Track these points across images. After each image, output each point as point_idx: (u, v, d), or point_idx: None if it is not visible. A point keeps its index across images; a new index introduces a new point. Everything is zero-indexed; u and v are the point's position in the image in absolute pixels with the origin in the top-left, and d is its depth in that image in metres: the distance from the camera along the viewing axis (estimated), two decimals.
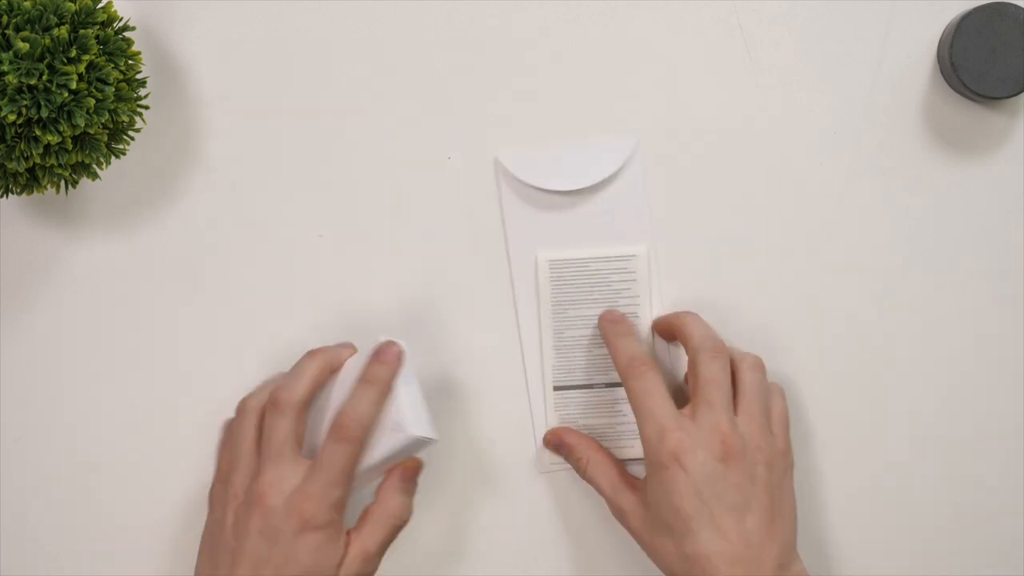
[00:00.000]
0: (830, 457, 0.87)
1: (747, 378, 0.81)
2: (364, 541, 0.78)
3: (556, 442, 0.85)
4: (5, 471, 0.88)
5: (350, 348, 0.83)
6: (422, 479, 0.82)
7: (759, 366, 0.82)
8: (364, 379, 0.78)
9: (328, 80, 0.87)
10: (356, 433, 0.77)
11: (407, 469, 0.80)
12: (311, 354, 0.81)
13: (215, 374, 0.87)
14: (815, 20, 0.86)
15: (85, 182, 0.86)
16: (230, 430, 0.81)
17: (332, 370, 0.81)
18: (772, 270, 0.86)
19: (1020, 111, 0.86)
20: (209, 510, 0.81)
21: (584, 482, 0.84)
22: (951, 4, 0.85)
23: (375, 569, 0.79)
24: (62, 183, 0.81)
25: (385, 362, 0.79)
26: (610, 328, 0.84)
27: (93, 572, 0.88)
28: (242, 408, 0.81)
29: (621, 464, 0.83)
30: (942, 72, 0.85)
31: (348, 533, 0.78)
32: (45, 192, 0.82)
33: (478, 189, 0.87)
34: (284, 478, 0.76)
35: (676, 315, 0.84)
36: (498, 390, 0.87)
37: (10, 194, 0.81)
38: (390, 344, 0.79)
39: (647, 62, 0.86)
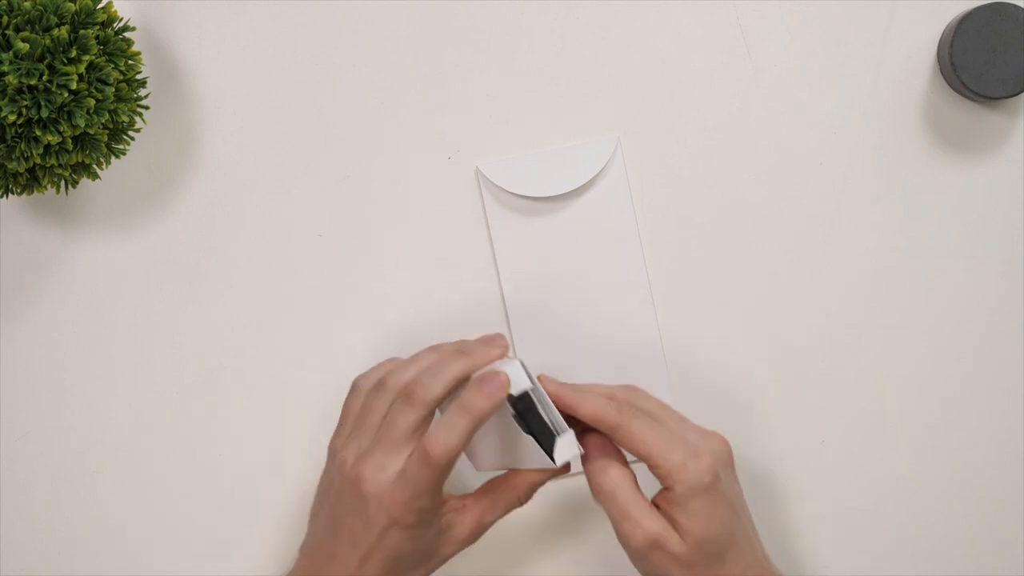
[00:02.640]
0: (830, 456, 0.87)
1: (647, 406, 0.79)
2: (483, 513, 0.78)
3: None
4: (6, 471, 0.88)
5: (499, 348, 0.78)
6: None
7: (636, 389, 0.80)
8: (461, 405, 0.75)
9: (328, 80, 0.87)
10: (443, 461, 0.74)
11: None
12: (461, 353, 0.78)
13: (215, 374, 0.87)
14: (815, 20, 0.86)
15: (85, 182, 0.86)
16: (367, 398, 0.79)
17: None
18: (771, 270, 0.86)
19: (1020, 111, 0.86)
20: (328, 458, 0.80)
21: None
22: (951, 4, 0.85)
23: (479, 536, 0.79)
24: (62, 183, 0.81)
25: (488, 395, 0.75)
26: (572, 392, 0.79)
27: (93, 572, 0.88)
28: (382, 385, 0.78)
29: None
30: (942, 72, 0.85)
31: (464, 500, 0.78)
32: (45, 192, 0.82)
33: (477, 190, 0.87)
34: (386, 468, 0.75)
35: (570, 396, 0.79)
36: None
37: (10, 194, 0.81)
38: (495, 375, 0.75)
39: (647, 62, 0.86)
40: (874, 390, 0.87)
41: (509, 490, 0.79)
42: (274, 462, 0.87)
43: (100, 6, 0.79)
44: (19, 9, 0.76)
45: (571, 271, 0.87)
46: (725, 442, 0.77)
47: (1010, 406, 0.86)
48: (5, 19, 0.76)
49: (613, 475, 0.76)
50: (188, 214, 0.87)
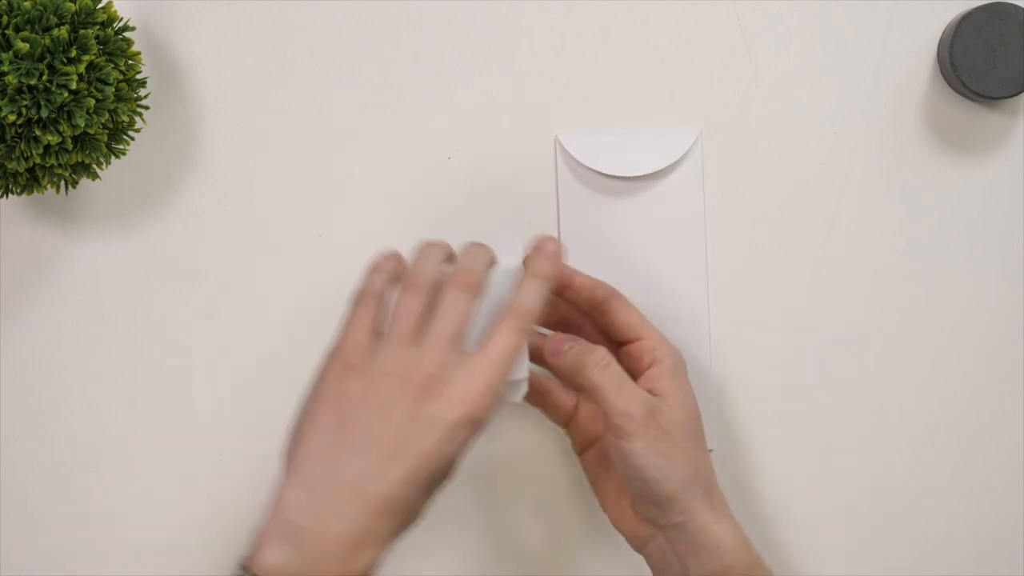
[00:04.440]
0: (831, 457, 0.87)
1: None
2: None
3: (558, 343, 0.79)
4: (6, 471, 0.88)
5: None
6: None
7: None
8: (533, 274, 0.74)
9: (328, 80, 0.87)
10: (532, 321, 0.73)
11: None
12: (474, 243, 0.76)
13: (215, 374, 0.87)
14: (815, 20, 0.86)
15: (85, 182, 0.86)
16: (399, 298, 0.73)
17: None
18: (770, 270, 0.86)
19: (1020, 111, 0.86)
20: (335, 375, 0.73)
21: None
22: (951, 4, 0.85)
23: None
24: (62, 183, 0.82)
25: (550, 257, 0.76)
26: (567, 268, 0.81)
27: (93, 572, 0.88)
28: (410, 285, 0.73)
29: None
30: (942, 72, 0.85)
31: None
32: (45, 192, 0.82)
33: (478, 191, 0.87)
34: (459, 362, 0.70)
35: (567, 270, 0.81)
36: None
37: (10, 194, 0.81)
38: (549, 239, 0.76)
39: (647, 62, 0.86)
40: (874, 390, 0.87)
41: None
42: (276, 463, 0.87)
43: (100, 6, 0.79)
44: (19, 9, 0.76)
45: (630, 257, 0.86)
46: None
47: (1010, 406, 0.86)
48: (5, 19, 0.76)
49: (601, 353, 0.76)
50: (188, 214, 0.87)
